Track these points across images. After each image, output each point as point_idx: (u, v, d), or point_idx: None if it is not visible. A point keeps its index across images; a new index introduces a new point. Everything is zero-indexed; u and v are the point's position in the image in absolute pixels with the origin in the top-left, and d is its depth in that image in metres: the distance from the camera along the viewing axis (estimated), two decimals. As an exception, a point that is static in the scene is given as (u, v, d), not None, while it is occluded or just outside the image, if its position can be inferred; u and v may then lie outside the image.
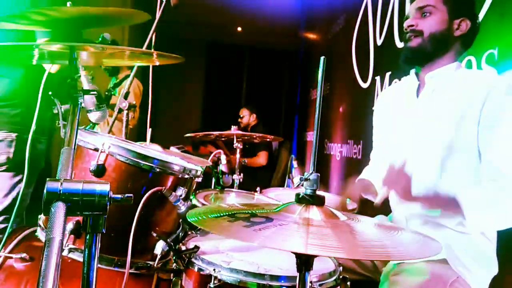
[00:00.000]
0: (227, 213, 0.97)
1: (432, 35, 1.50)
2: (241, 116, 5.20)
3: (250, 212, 0.98)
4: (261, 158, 4.88)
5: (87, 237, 0.90)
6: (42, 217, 1.46)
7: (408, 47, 1.55)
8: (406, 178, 1.58)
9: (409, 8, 1.60)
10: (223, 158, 2.19)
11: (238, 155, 2.67)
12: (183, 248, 1.34)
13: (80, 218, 0.91)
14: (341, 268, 1.34)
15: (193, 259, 1.28)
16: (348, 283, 1.33)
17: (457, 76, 1.50)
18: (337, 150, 4.08)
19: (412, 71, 1.63)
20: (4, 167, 2.29)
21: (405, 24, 1.56)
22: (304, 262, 0.89)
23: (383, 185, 1.71)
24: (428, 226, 1.49)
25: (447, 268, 1.41)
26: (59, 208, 0.80)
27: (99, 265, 0.92)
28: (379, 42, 3.19)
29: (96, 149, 1.32)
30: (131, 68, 2.36)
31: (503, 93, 1.37)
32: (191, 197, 1.66)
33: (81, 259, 1.07)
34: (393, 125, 1.70)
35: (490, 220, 1.36)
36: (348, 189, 1.69)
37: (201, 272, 1.24)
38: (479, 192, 1.37)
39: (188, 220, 0.93)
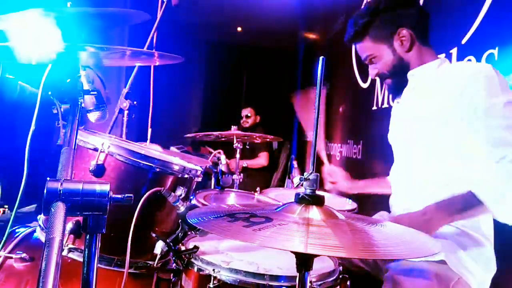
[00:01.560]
0: (226, 214, 0.97)
1: (392, 71, 1.57)
2: (248, 115, 5.12)
3: (250, 212, 0.98)
4: (262, 159, 4.87)
5: (87, 237, 0.90)
6: (42, 217, 1.46)
7: (388, 86, 1.64)
8: (402, 175, 1.62)
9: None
10: (223, 158, 2.19)
11: (238, 155, 2.67)
12: (183, 248, 1.34)
13: (80, 218, 0.91)
14: (340, 267, 1.34)
15: (192, 259, 1.28)
16: (348, 282, 1.33)
17: (439, 72, 1.52)
18: (337, 150, 4.08)
19: None
20: None
21: (371, 76, 1.64)
22: (304, 262, 0.89)
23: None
24: None
25: (448, 269, 1.41)
26: (59, 208, 0.80)
27: (99, 265, 0.92)
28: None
29: (95, 149, 1.32)
30: None
31: (473, 76, 1.36)
32: (191, 197, 1.66)
33: (81, 259, 1.07)
34: (392, 126, 1.76)
35: None
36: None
37: (201, 272, 1.24)
38: (496, 175, 1.30)
39: (188, 220, 0.93)
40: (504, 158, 1.27)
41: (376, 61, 1.58)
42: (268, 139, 3.03)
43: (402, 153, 1.65)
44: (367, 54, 1.58)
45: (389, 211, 1.75)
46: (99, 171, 1.29)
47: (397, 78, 1.58)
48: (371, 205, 1.91)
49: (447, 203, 1.38)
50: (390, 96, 1.71)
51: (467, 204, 1.34)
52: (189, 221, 0.92)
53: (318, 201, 0.95)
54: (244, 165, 4.64)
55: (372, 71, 1.62)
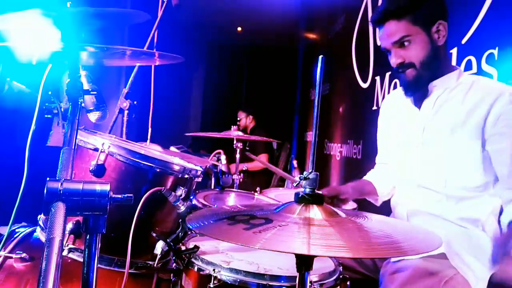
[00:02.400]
0: (226, 216, 0.96)
1: (423, 63, 1.48)
2: (238, 119, 5.22)
3: (249, 214, 0.98)
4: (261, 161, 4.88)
5: (87, 237, 0.90)
6: (42, 217, 1.46)
7: (405, 80, 1.53)
8: (410, 177, 1.60)
9: (381, 42, 1.54)
10: (223, 158, 2.20)
11: (237, 155, 2.67)
12: (183, 248, 1.34)
13: (80, 218, 0.91)
14: (341, 267, 1.34)
15: (192, 259, 1.28)
16: (348, 283, 1.33)
17: (460, 83, 1.50)
18: (337, 150, 4.08)
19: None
20: None
21: (393, 64, 1.52)
22: (304, 262, 0.89)
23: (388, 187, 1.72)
24: (429, 221, 1.51)
25: (444, 264, 1.41)
26: (59, 208, 0.80)
27: (99, 265, 0.92)
28: (379, 42, 3.19)
29: (96, 149, 1.32)
30: None
31: (508, 101, 1.38)
32: (191, 197, 1.66)
33: (81, 259, 1.07)
34: (398, 131, 1.71)
35: None
36: (340, 187, 1.67)
37: (201, 272, 1.24)
38: None
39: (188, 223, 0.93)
40: None
41: (409, 46, 1.47)
42: (269, 140, 3.03)
43: (415, 156, 1.58)
44: (403, 35, 1.46)
45: (388, 213, 1.75)
46: (99, 171, 1.29)
47: (424, 73, 1.49)
48: (371, 205, 1.91)
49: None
50: (402, 91, 1.59)
51: None
52: (189, 225, 0.92)
53: (318, 200, 0.94)
54: (244, 169, 4.67)
55: (396, 58, 1.49)
